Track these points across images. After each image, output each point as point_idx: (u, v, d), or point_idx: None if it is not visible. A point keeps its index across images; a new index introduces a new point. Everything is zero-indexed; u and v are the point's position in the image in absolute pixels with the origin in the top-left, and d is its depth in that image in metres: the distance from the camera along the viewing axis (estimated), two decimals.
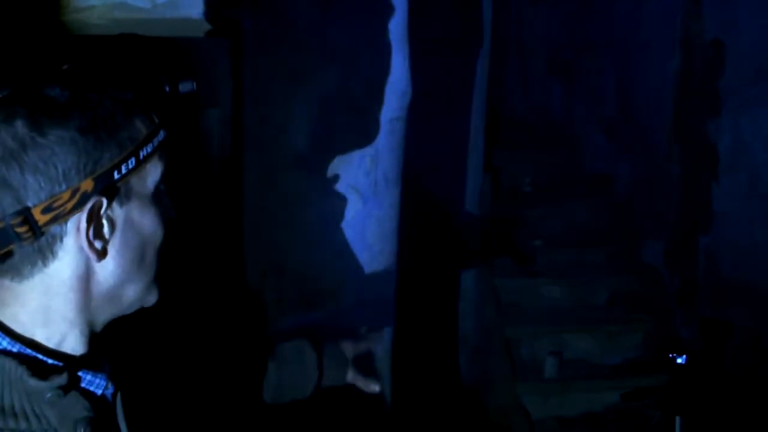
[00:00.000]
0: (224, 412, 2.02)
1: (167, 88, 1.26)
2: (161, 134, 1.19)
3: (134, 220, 1.16)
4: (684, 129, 5.64)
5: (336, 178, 3.14)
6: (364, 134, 3.14)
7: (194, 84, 1.30)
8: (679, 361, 3.58)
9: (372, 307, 3.35)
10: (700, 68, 5.42)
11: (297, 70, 3.02)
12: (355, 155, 3.14)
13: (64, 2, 2.71)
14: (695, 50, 5.46)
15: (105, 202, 1.11)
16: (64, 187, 1.07)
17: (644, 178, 6.21)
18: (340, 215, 3.19)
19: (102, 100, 1.12)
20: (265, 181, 3.10)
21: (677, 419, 3.62)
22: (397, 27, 3.17)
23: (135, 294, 1.20)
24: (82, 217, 1.10)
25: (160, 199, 1.21)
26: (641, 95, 6.21)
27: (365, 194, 3.21)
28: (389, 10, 3.13)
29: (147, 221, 1.18)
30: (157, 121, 1.20)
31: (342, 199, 3.17)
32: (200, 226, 3.01)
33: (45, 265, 1.11)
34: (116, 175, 1.12)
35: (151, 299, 1.24)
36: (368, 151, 3.16)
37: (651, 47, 6.03)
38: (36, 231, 1.08)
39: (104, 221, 1.13)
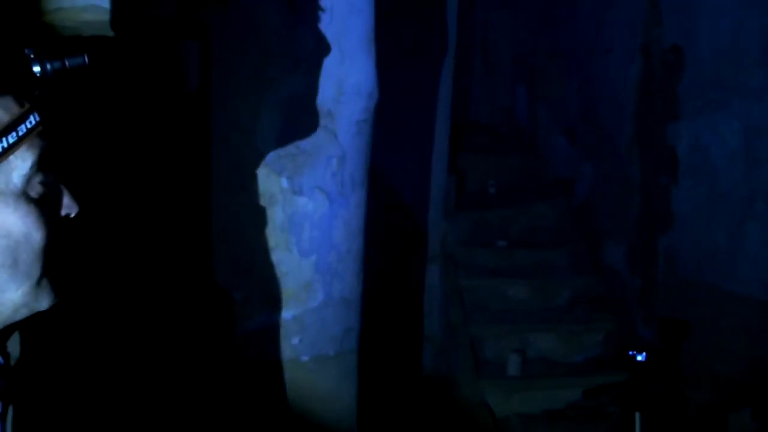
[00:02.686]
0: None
1: (37, 69, 1.08)
2: (31, 120, 1.02)
3: None
4: (644, 133, 5.73)
5: (303, 179, 3.17)
6: (331, 136, 3.18)
7: (85, 57, 1.12)
8: (639, 358, 3.63)
9: (339, 306, 3.39)
10: (660, 74, 5.51)
11: (265, 72, 3.06)
12: (322, 157, 3.18)
13: (31, 4, 2.73)
14: (655, 56, 5.55)
15: None
16: None
17: (606, 181, 6.29)
18: (307, 216, 3.22)
19: None
20: (233, 182, 3.13)
21: (637, 415, 3.68)
22: (363, 31, 3.21)
23: (14, 302, 1.04)
24: None
25: (40, 194, 1.04)
26: (603, 100, 6.30)
27: (332, 195, 3.24)
28: (356, 14, 3.17)
29: (13, 222, 1.01)
30: (27, 105, 1.03)
31: (309, 200, 3.20)
32: (169, 226, 3.04)
33: None
34: None
35: (41, 304, 1.07)
36: (335, 152, 3.20)
37: (612, 53, 6.12)
38: None
39: None
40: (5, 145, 0.99)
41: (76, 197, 1.10)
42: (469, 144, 7.18)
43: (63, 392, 2.60)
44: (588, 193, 6.53)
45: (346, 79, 3.15)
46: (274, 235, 3.18)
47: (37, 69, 1.08)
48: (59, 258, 1.08)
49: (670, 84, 5.38)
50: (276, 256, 3.20)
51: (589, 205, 6.50)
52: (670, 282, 5.46)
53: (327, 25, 3.09)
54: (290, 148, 3.11)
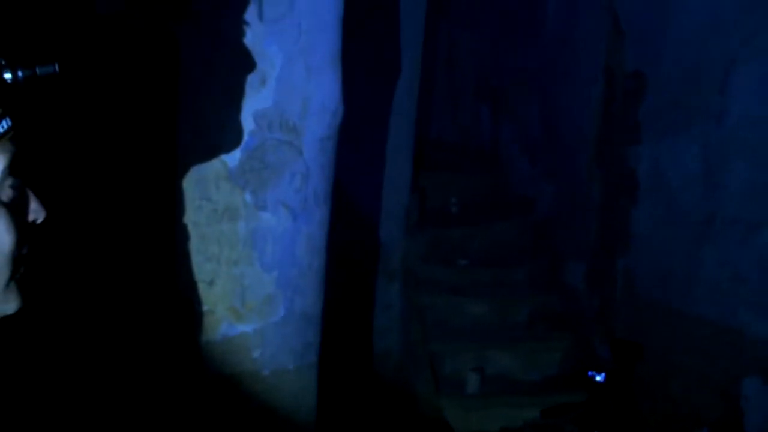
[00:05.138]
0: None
1: (8, 76, 1.08)
2: (3, 125, 1.02)
3: None
4: (605, 154, 5.80)
5: (267, 194, 3.18)
6: (295, 152, 3.19)
7: (55, 66, 1.12)
8: (597, 379, 3.68)
9: (300, 321, 3.40)
10: (621, 97, 5.60)
11: (233, 86, 3.07)
12: (287, 172, 3.19)
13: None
14: (617, 80, 5.63)
15: None
16: None
17: (566, 201, 6.36)
18: (270, 231, 3.23)
19: None
20: (198, 195, 3.13)
21: None
22: (330, 48, 3.24)
23: None
24: None
25: (10, 198, 1.04)
26: (565, 121, 6.37)
27: (295, 210, 3.26)
28: (323, 31, 3.20)
29: None
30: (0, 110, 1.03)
31: (272, 215, 3.21)
32: (134, 237, 3.04)
33: None
34: None
35: (8, 308, 1.08)
36: (299, 168, 3.22)
37: (575, 75, 6.20)
38: None
39: None
40: None
41: (42, 203, 1.10)
42: (432, 162, 7.22)
43: (29, 399, 2.59)
44: (549, 212, 6.60)
45: (312, 96, 3.17)
46: (236, 249, 3.19)
47: (8, 76, 1.08)
48: (26, 263, 1.08)
49: (631, 107, 5.46)
50: (238, 270, 3.20)
51: (550, 224, 6.56)
52: (628, 301, 5.52)
53: (295, 42, 3.10)
54: (255, 163, 3.12)
